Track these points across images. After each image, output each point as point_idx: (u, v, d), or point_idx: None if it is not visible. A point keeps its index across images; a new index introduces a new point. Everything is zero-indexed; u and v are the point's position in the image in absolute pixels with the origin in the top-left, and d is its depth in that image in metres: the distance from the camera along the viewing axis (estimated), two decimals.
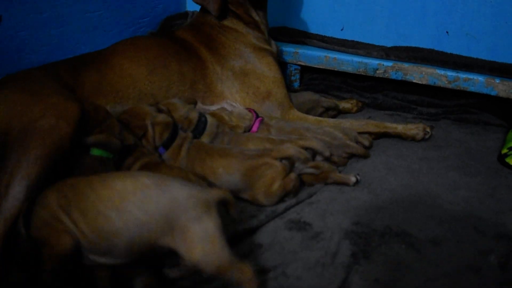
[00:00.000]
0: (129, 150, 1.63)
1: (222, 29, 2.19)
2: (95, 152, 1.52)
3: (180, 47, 2.12)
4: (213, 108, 2.06)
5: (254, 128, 1.92)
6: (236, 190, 1.61)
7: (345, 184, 1.71)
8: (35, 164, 1.26)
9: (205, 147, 1.72)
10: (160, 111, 1.77)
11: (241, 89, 2.11)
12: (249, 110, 1.98)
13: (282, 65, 2.71)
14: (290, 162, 1.64)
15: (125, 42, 2.11)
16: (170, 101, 1.88)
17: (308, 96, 2.33)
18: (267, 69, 2.15)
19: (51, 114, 1.35)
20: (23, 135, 1.30)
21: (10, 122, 1.34)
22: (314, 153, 1.77)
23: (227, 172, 1.61)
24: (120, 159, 1.61)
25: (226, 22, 2.20)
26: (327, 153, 1.78)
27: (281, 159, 1.60)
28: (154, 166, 1.59)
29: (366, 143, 1.97)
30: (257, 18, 2.22)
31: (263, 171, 1.58)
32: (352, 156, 1.91)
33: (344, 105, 2.49)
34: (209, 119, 1.85)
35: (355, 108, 2.50)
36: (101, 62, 1.94)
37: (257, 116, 1.96)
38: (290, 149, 1.63)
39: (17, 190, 1.23)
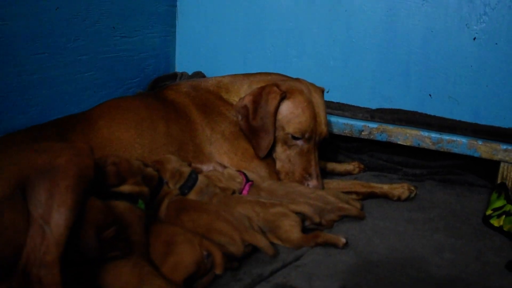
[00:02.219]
0: None
1: (221, 101, 2.22)
2: (142, 205, 1.54)
3: (169, 108, 2.13)
4: (204, 167, 2.07)
5: (245, 192, 1.93)
6: None
7: (335, 244, 1.70)
8: (67, 192, 1.27)
9: (184, 202, 1.73)
10: (146, 165, 1.78)
11: (230, 150, 2.12)
12: (240, 173, 1.99)
13: None
14: None
15: (110, 104, 2.10)
16: (165, 156, 1.90)
17: None
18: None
19: (65, 153, 1.36)
20: (45, 174, 1.30)
21: (22, 174, 1.31)
22: (304, 217, 1.78)
23: (193, 226, 1.61)
24: None
25: (226, 96, 2.24)
26: (317, 219, 1.80)
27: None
28: None
29: (358, 205, 1.98)
30: None
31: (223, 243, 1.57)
32: (342, 217, 1.92)
33: (346, 167, 2.51)
34: (200, 177, 1.87)
35: (357, 170, 2.52)
36: (88, 125, 1.93)
37: (247, 180, 1.97)
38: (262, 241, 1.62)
39: (57, 217, 1.24)
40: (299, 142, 2.06)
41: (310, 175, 2.04)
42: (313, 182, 2.02)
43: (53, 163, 1.33)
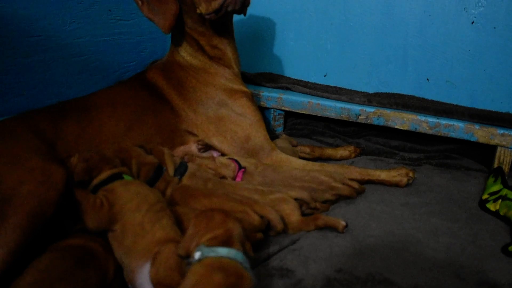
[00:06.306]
0: None
1: (192, 70, 2.10)
2: (128, 178, 1.55)
3: (154, 96, 2.07)
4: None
5: (238, 179, 1.91)
6: None
7: (335, 227, 1.71)
8: (13, 232, 1.23)
9: (189, 189, 1.73)
10: (147, 153, 1.79)
11: (218, 133, 2.06)
12: (232, 160, 1.96)
13: (266, 109, 2.74)
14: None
15: (102, 94, 2.04)
16: (159, 146, 1.91)
17: (285, 144, 2.34)
18: (242, 112, 2.08)
19: (31, 179, 1.32)
20: (2, 204, 1.26)
21: None
22: (301, 203, 1.79)
23: None
24: None
25: (195, 61, 2.12)
26: (313, 205, 1.81)
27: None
28: None
29: (356, 185, 1.97)
30: (222, 47, 2.14)
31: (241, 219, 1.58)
32: (338, 199, 1.93)
33: (342, 153, 2.50)
34: (189, 164, 1.88)
35: (353, 155, 2.50)
36: (81, 114, 1.88)
37: (240, 167, 1.95)
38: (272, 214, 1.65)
39: None
40: None
41: None
42: None
43: (16, 190, 1.28)
